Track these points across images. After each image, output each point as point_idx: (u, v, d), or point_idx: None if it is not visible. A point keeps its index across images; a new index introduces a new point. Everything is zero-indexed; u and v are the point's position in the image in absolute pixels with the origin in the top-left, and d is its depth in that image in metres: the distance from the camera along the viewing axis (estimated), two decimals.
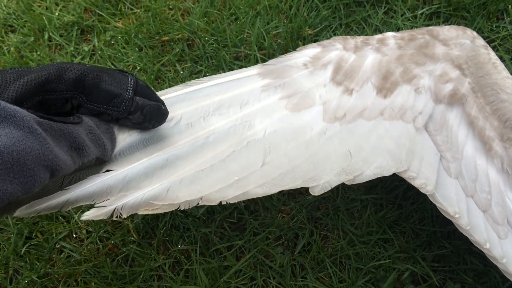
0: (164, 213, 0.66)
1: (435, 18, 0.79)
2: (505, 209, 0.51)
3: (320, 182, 0.49)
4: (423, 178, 0.50)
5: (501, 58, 0.74)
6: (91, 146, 0.42)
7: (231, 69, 0.78)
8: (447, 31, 0.56)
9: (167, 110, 0.48)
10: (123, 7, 0.86)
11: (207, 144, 0.50)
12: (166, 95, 0.52)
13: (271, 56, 0.79)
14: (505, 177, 0.52)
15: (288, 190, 0.67)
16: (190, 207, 0.47)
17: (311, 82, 0.54)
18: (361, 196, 0.66)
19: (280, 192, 0.67)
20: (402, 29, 0.78)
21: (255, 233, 0.66)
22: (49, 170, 0.36)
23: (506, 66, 0.71)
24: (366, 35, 0.78)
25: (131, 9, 0.87)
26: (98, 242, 0.66)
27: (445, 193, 0.50)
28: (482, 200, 0.51)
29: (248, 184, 0.48)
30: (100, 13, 0.86)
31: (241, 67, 0.78)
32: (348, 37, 0.56)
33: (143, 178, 0.47)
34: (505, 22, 0.77)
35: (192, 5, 0.85)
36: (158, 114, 0.47)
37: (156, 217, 0.67)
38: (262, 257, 0.64)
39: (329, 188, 0.49)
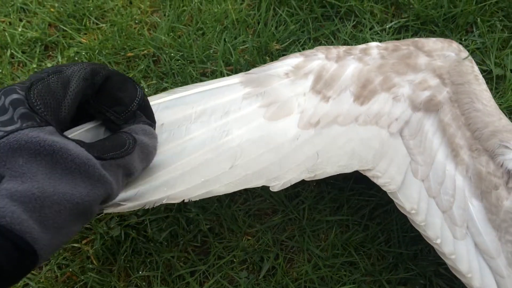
0: (125, 238, 0.65)
1: (403, 31, 0.78)
2: (466, 212, 0.52)
3: (282, 181, 0.51)
4: (388, 178, 0.52)
5: None
6: (139, 166, 0.45)
7: None
8: (433, 43, 0.57)
9: (154, 132, 0.50)
10: (88, 22, 0.84)
11: (183, 152, 0.52)
12: (151, 102, 0.52)
13: (238, 71, 0.77)
14: (469, 184, 0.53)
15: (254, 211, 0.66)
16: (155, 206, 0.50)
17: (291, 91, 0.55)
18: (327, 218, 0.65)
19: (246, 214, 0.66)
20: None
21: (219, 257, 0.65)
22: (102, 203, 0.40)
23: None
24: None
25: (97, 24, 0.85)
26: (56, 269, 0.64)
27: (407, 192, 0.52)
28: (444, 202, 0.52)
29: (214, 184, 0.50)
30: (64, 28, 0.84)
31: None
32: (331, 47, 0.57)
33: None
34: (474, 35, 0.76)
35: (159, 20, 0.83)
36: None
37: (117, 242, 0.65)
38: (226, 283, 0.62)
39: (289, 185, 0.51)
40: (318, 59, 0.56)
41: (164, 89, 0.77)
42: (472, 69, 0.56)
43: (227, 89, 0.55)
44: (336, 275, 0.62)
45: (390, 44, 0.57)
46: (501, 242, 0.50)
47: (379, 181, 0.52)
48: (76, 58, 0.81)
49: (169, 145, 0.52)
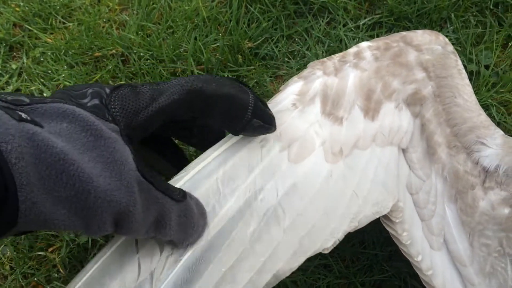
0: (93, 245, 0.63)
1: (377, 28, 0.76)
2: (443, 219, 0.50)
3: (337, 237, 0.47)
4: (403, 207, 0.50)
5: None
6: (174, 228, 0.39)
7: None
8: (421, 36, 0.55)
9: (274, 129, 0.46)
10: (54, 21, 0.81)
11: (225, 231, 0.43)
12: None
13: (210, 71, 0.75)
14: (445, 185, 0.52)
15: None
16: None
17: (304, 122, 0.50)
18: None
19: None
20: (344, 41, 0.75)
21: None
22: (117, 223, 0.34)
23: None
24: (308, 47, 0.76)
25: (63, 23, 0.82)
26: (21, 279, 0.62)
27: (405, 213, 0.50)
28: (426, 211, 0.50)
29: (276, 262, 0.44)
30: (30, 28, 0.81)
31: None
32: (325, 59, 0.53)
33: None
34: (448, 31, 0.75)
35: (128, 18, 0.80)
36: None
37: (85, 249, 0.63)
38: None
39: (338, 242, 0.47)
40: (318, 77, 0.52)
41: None
42: (456, 63, 0.55)
43: (242, 142, 0.47)
44: (309, 279, 0.60)
45: (381, 43, 0.55)
46: (473, 247, 0.49)
47: (394, 214, 0.49)
48: (42, 59, 0.78)
49: (207, 231, 0.44)
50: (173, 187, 0.40)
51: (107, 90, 0.36)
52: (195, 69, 0.74)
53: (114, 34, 0.79)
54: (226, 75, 0.75)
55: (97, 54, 0.78)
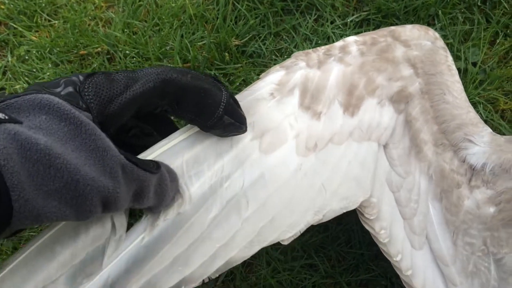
0: None
1: (365, 25, 0.76)
2: (426, 218, 0.50)
3: (297, 230, 0.46)
4: (378, 204, 0.49)
5: None
6: (151, 197, 0.40)
7: None
8: (409, 31, 0.54)
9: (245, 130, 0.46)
10: (39, 19, 0.80)
11: (186, 214, 0.44)
12: None
13: (196, 69, 0.75)
14: (430, 183, 0.51)
15: None
16: None
17: (280, 113, 0.49)
18: None
19: None
20: (332, 38, 0.75)
21: None
22: (105, 206, 0.35)
23: None
24: (296, 44, 0.75)
25: (49, 21, 0.81)
26: None
27: (382, 210, 0.49)
28: (408, 210, 0.50)
29: (230, 249, 0.44)
30: (15, 26, 0.80)
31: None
32: (310, 51, 0.52)
33: (126, 277, 0.41)
34: (436, 28, 0.74)
35: (114, 16, 0.80)
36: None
37: None
38: None
39: (299, 234, 0.47)
40: (300, 68, 0.51)
41: None
42: (445, 59, 0.54)
43: None
44: (295, 279, 0.60)
45: (368, 37, 0.53)
46: (457, 246, 0.49)
47: (367, 210, 0.49)
48: (27, 57, 0.77)
49: (168, 211, 0.44)
50: (148, 160, 0.40)
51: (81, 78, 0.36)
52: (181, 67, 0.73)
53: (100, 31, 0.78)
54: (213, 73, 0.74)
55: (82, 52, 0.77)
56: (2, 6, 0.82)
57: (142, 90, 0.38)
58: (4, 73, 0.77)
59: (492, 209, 0.49)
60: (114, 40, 0.77)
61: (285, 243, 0.46)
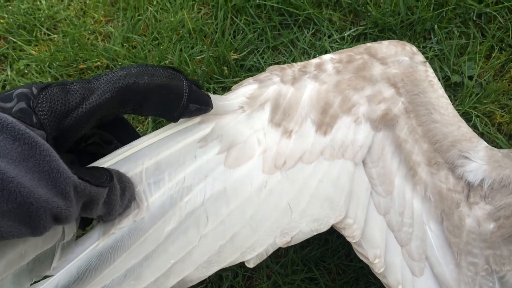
0: None
1: (362, 39, 0.77)
2: (424, 242, 0.48)
3: (260, 251, 0.44)
4: (357, 223, 0.47)
5: None
6: (100, 207, 0.39)
7: None
8: (386, 48, 0.53)
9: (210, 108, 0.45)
10: (39, 33, 0.81)
11: (142, 226, 0.42)
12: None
13: (196, 82, 0.75)
14: (427, 206, 0.50)
15: None
16: None
17: (249, 128, 0.48)
18: None
19: None
20: (330, 52, 0.76)
21: None
22: (56, 221, 0.35)
23: None
24: (293, 58, 0.76)
25: (48, 35, 0.81)
26: None
27: (370, 233, 0.47)
28: (403, 235, 0.48)
29: (186, 267, 0.43)
30: (14, 40, 0.80)
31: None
32: (286, 66, 0.51)
33: (76, 285, 0.40)
34: (432, 42, 0.75)
35: (113, 30, 0.80)
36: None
37: None
38: None
39: (265, 257, 0.45)
40: (274, 83, 0.50)
41: None
42: (426, 74, 0.53)
43: (179, 135, 0.46)
44: None
45: (344, 55, 0.53)
46: (461, 268, 0.47)
47: (348, 231, 0.47)
48: (26, 71, 0.78)
49: (122, 219, 0.42)
50: (101, 171, 0.39)
51: (35, 90, 0.35)
52: None
53: (99, 46, 0.78)
54: (212, 87, 0.75)
55: (82, 66, 0.78)
56: (2, 21, 0.82)
57: (99, 101, 0.37)
58: (3, 87, 0.78)
59: (491, 225, 0.48)
60: (114, 54, 0.77)
61: (250, 265, 0.44)
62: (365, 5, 0.77)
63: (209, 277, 0.62)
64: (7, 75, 0.78)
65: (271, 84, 0.50)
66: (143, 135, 0.46)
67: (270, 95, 0.50)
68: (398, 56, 0.53)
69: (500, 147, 0.65)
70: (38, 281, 0.40)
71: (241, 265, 0.62)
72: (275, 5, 0.77)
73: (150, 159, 0.44)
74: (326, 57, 0.53)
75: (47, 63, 0.77)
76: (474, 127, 0.69)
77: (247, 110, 0.49)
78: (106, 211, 0.40)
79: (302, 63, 0.52)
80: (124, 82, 0.38)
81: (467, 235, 0.48)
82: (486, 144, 0.51)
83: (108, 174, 0.39)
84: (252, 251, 0.44)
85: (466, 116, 0.69)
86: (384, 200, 0.49)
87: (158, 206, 0.43)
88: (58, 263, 0.40)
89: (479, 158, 0.50)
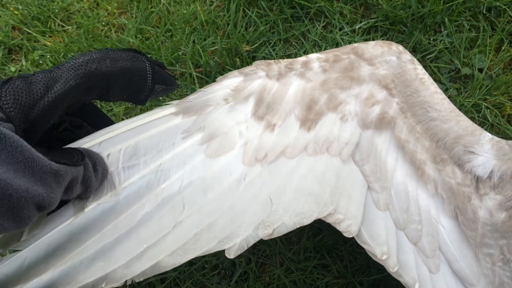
0: None
1: (373, 32, 0.78)
2: (435, 238, 0.48)
3: (237, 241, 0.44)
4: (350, 219, 0.47)
5: (439, 71, 0.74)
6: (79, 186, 0.39)
7: None
8: (372, 48, 0.53)
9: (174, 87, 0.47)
10: (53, 25, 0.82)
11: (116, 208, 0.42)
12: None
13: (208, 73, 0.76)
14: (438, 202, 0.50)
15: None
16: None
17: (231, 120, 0.48)
18: None
19: None
20: (341, 44, 0.77)
21: (190, 263, 0.63)
22: (40, 209, 0.35)
23: (445, 78, 0.71)
24: (305, 50, 0.77)
25: (62, 26, 0.82)
26: None
27: (373, 231, 0.47)
28: (413, 232, 0.48)
29: (159, 252, 0.42)
30: (29, 31, 0.81)
31: (177, 86, 0.75)
32: (272, 61, 0.51)
33: (44, 262, 0.40)
34: (442, 35, 0.76)
35: (126, 22, 0.81)
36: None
37: None
38: None
39: (246, 248, 0.44)
40: (259, 77, 0.50)
41: None
42: (415, 73, 0.52)
43: (160, 123, 0.46)
44: (308, 279, 0.61)
45: (330, 55, 0.52)
46: (480, 260, 0.47)
47: (341, 226, 0.46)
48: (41, 62, 0.79)
49: (97, 201, 0.42)
50: (71, 151, 0.39)
51: None
52: (193, 72, 0.75)
53: (113, 37, 0.79)
54: None
55: None
56: (16, 12, 0.83)
57: (65, 89, 0.37)
58: None
59: (503, 215, 0.48)
60: (127, 45, 0.78)
61: (230, 256, 0.44)
62: None
63: (222, 263, 0.63)
64: (22, 65, 0.79)
65: (256, 78, 0.50)
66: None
67: (255, 89, 0.49)
68: (385, 56, 0.53)
69: (510, 138, 0.66)
70: (5, 254, 0.40)
71: (254, 251, 0.63)
72: None
73: (128, 142, 0.44)
74: (313, 56, 0.53)
75: (62, 54, 0.78)
76: (484, 118, 0.70)
77: (231, 102, 0.49)
78: (83, 189, 0.40)
79: (289, 60, 0.52)
80: (87, 68, 0.38)
81: (482, 228, 0.48)
82: (490, 135, 0.51)
83: (78, 153, 0.39)
84: (230, 241, 0.44)
85: (476, 108, 0.70)
86: (382, 196, 0.49)
87: (134, 190, 0.43)
88: (28, 236, 0.40)
89: (485, 151, 0.50)
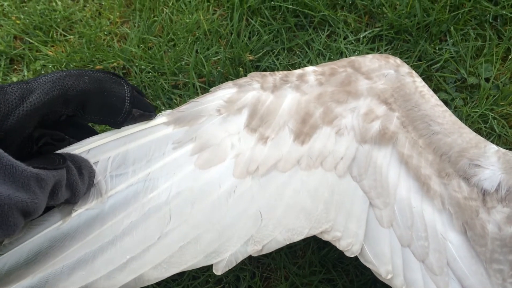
0: None
1: (378, 41, 0.77)
2: (443, 254, 0.47)
3: (225, 256, 0.43)
4: (350, 237, 0.46)
5: (444, 80, 0.73)
6: (64, 190, 0.39)
7: (169, 99, 0.75)
8: (369, 61, 0.52)
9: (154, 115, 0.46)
10: (55, 34, 0.81)
11: (100, 216, 0.42)
12: None
13: (211, 83, 0.75)
14: (445, 217, 0.49)
15: None
16: None
17: (224, 131, 0.47)
18: None
19: None
20: (345, 53, 0.76)
21: (194, 277, 0.63)
22: (26, 216, 0.35)
23: (450, 88, 0.70)
24: (309, 60, 0.76)
25: (64, 36, 0.82)
26: None
27: (377, 249, 0.46)
28: (419, 249, 0.47)
29: (143, 266, 0.41)
30: (31, 41, 0.81)
31: (180, 96, 0.74)
32: (267, 74, 0.51)
33: (25, 267, 0.39)
34: (448, 44, 0.75)
35: (129, 31, 0.81)
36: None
37: None
38: None
39: (235, 264, 0.43)
40: (253, 89, 0.49)
41: None
42: (414, 86, 0.51)
43: (151, 132, 0.46)
44: None
45: (327, 68, 0.51)
46: (490, 276, 0.46)
47: (341, 244, 0.45)
48: (43, 71, 0.78)
49: (83, 208, 0.42)
50: (51, 156, 0.39)
51: None
52: (196, 82, 0.74)
53: (115, 47, 0.79)
54: None
55: (98, 67, 0.78)
56: (18, 21, 0.83)
57: (40, 100, 0.37)
58: None
59: (511, 229, 0.47)
60: (130, 55, 0.78)
61: (218, 272, 0.43)
62: (381, 6, 0.77)
63: (226, 277, 0.62)
64: (24, 76, 0.78)
65: (251, 90, 0.49)
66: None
67: (249, 101, 0.49)
68: (383, 69, 0.52)
69: None
70: None
71: (259, 265, 0.62)
72: (290, 6, 0.78)
73: (118, 150, 0.44)
74: (309, 69, 0.52)
75: (64, 64, 0.78)
76: (491, 129, 0.69)
77: (224, 113, 0.48)
78: (70, 193, 0.40)
79: (284, 72, 0.51)
80: (64, 82, 0.39)
81: (492, 243, 0.47)
82: (496, 147, 0.50)
83: (59, 157, 0.39)
84: (217, 255, 0.43)
85: (483, 118, 0.69)
86: (385, 212, 0.48)
87: (121, 198, 0.43)
88: (9, 241, 0.39)
89: (491, 164, 0.49)
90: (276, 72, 0.51)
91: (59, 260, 0.40)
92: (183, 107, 0.48)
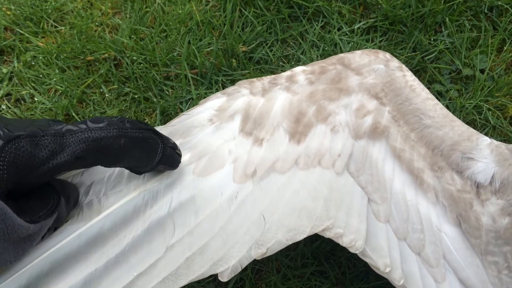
0: None
1: (372, 32, 0.76)
2: (439, 247, 0.47)
3: (231, 263, 0.42)
4: (352, 233, 0.45)
5: (439, 72, 0.72)
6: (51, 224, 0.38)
7: (161, 90, 0.74)
8: (359, 57, 0.52)
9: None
10: (46, 25, 0.80)
11: (102, 234, 0.41)
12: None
13: (204, 75, 0.74)
14: (439, 210, 0.48)
15: None
16: None
17: (219, 138, 0.47)
18: None
19: None
20: (339, 44, 0.75)
21: None
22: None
23: (445, 79, 0.69)
24: (303, 51, 0.75)
25: (55, 27, 0.81)
26: None
27: (375, 243, 0.45)
28: (415, 241, 0.46)
29: (150, 280, 0.40)
30: (21, 32, 0.80)
31: (172, 87, 0.74)
32: (254, 79, 0.50)
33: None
34: (443, 35, 0.74)
35: (120, 22, 0.80)
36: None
37: None
38: None
39: (240, 269, 0.42)
40: (243, 95, 0.49)
41: (126, 94, 0.74)
42: (405, 80, 0.51)
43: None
44: (306, 286, 0.59)
45: (316, 66, 0.51)
46: (486, 268, 0.46)
47: (344, 241, 0.45)
48: (33, 63, 0.77)
49: (83, 227, 0.41)
50: (49, 195, 0.38)
51: (0, 142, 0.32)
52: (189, 73, 0.73)
53: (107, 38, 0.78)
54: (220, 79, 0.74)
55: (89, 58, 0.77)
56: (9, 12, 0.82)
57: (66, 160, 0.35)
58: (10, 79, 0.77)
59: (506, 220, 0.46)
60: (121, 46, 0.77)
61: (224, 279, 0.42)
62: None
63: None
64: (14, 67, 0.77)
65: (240, 96, 0.49)
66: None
67: (240, 106, 0.49)
68: (373, 65, 0.52)
69: None
70: None
71: None
72: None
73: (113, 169, 0.44)
74: (298, 69, 0.52)
75: (54, 55, 0.77)
76: (486, 120, 0.68)
77: (216, 122, 0.48)
78: (56, 225, 0.40)
79: (272, 76, 0.51)
80: (100, 144, 0.36)
81: (486, 235, 0.46)
82: (488, 139, 0.49)
83: (55, 193, 0.38)
84: (224, 263, 0.42)
85: (477, 109, 0.69)
86: (382, 207, 0.47)
87: (122, 214, 0.42)
88: (7, 267, 0.38)
89: (484, 157, 0.48)
90: (263, 77, 0.50)
91: (63, 283, 0.39)
92: (175, 121, 0.47)
